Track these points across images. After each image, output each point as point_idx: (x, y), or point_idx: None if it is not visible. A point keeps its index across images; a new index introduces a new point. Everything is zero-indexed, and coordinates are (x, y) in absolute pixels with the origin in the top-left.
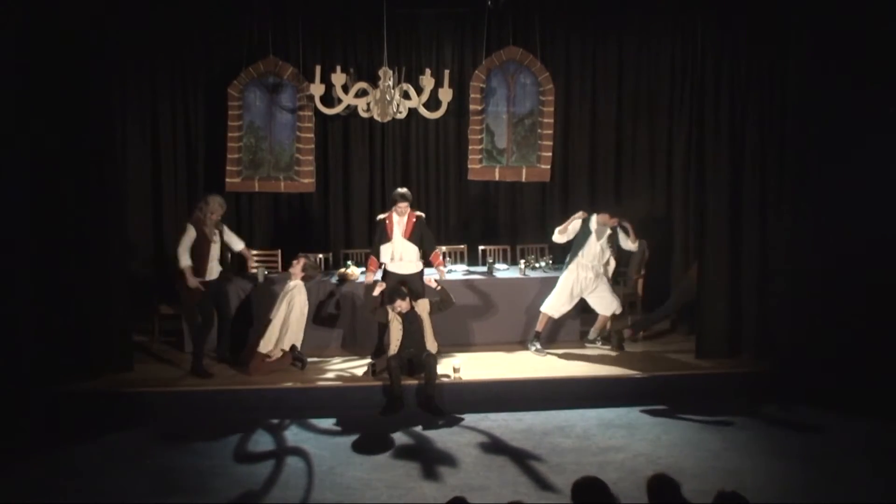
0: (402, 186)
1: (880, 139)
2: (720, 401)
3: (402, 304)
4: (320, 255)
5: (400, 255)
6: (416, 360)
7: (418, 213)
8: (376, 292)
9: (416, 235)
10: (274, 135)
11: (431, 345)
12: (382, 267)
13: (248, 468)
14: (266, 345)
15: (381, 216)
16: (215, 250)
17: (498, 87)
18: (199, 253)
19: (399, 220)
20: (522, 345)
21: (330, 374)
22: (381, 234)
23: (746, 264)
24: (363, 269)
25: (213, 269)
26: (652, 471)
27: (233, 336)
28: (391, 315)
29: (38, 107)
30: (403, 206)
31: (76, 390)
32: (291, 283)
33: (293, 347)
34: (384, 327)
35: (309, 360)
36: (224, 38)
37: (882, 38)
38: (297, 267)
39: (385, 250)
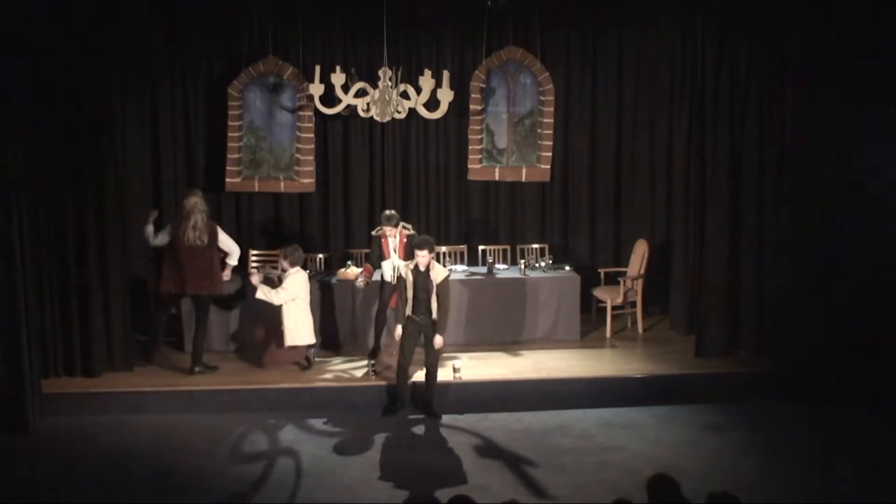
0: (402, 181)
1: (880, 139)
2: (720, 401)
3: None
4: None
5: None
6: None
7: (409, 232)
8: (360, 284)
9: (410, 253)
10: (274, 135)
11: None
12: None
13: (247, 468)
14: (289, 340)
15: (375, 232)
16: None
17: (498, 87)
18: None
19: (392, 239)
20: (522, 345)
21: (330, 374)
22: (379, 252)
23: (745, 263)
24: (361, 269)
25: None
26: (652, 471)
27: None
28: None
29: (38, 105)
30: (388, 229)
31: (75, 390)
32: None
33: (310, 346)
34: (382, 327)
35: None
36: (224, 38)
37: (882, 38)
38: (256, 280)
39: (386, 266)
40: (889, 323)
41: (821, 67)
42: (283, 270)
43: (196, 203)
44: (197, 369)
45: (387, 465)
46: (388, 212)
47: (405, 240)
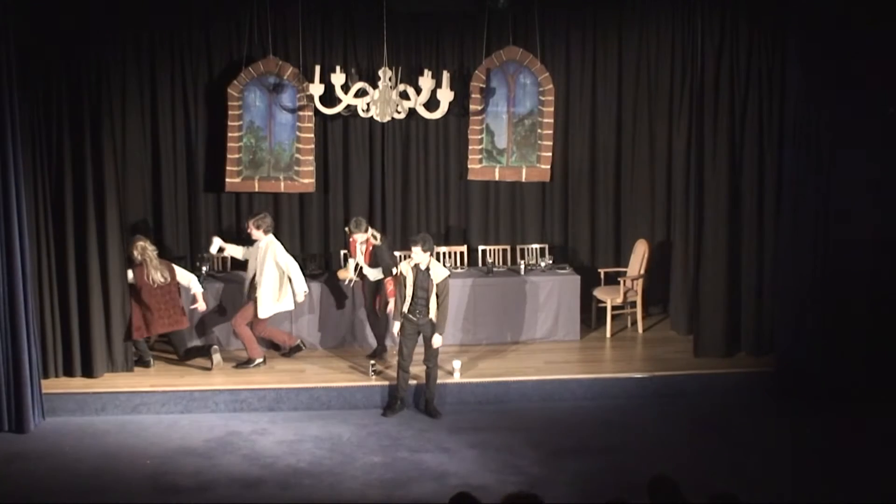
0: (402, 181)
1: (880, 138)
2: (720, 401)
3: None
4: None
5: (362, 272)
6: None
7: (376, 242)
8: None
9: (374, 262)
10: (274, 135)
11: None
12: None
13: (247, 468)
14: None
15: (346, 228)
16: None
17: (498, 87)
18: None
19: (360, 245)
20: (522, 345)
21: (329, 374)
22: (348, 249)
23: (745, 263)
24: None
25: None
26: (652, 471)
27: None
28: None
29: (37, 105)
30: (358, 235)
31: (75, 390)
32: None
33: (297, 346)
34: (383, 328)
35: (308, 359)
36: (224, 38)
37: (882, 38)
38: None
39: (350, 264)
40: (889, 322)
41: (821, 67)
42: (256, 240)
43: (144, 248)
44: (214, 360)
45: (387, 465)
46: (356, 218)
47: (371, 248)
